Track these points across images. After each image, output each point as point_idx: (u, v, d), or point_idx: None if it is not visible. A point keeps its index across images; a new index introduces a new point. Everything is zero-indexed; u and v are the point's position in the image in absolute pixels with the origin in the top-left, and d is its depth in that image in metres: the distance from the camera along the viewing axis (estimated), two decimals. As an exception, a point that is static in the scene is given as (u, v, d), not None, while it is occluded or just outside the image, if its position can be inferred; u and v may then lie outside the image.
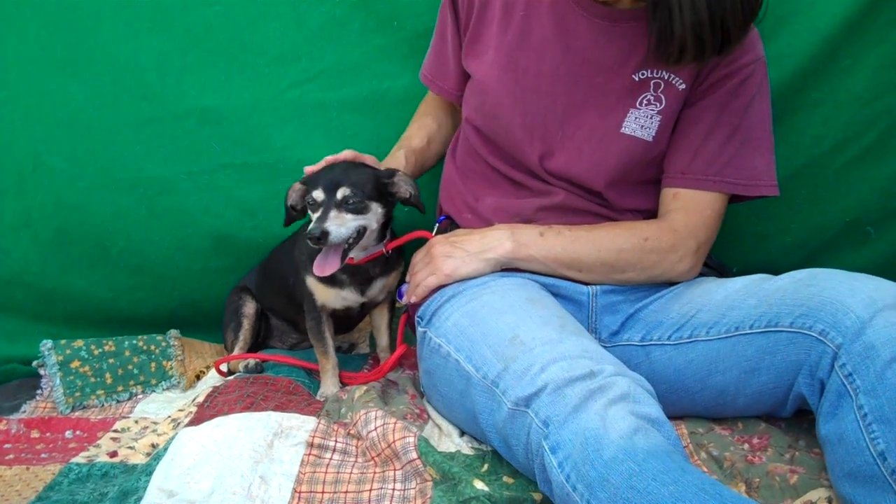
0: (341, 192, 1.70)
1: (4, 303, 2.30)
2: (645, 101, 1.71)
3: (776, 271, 1.66)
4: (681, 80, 1.70)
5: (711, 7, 1.45)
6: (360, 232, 1.75)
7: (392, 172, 1.80)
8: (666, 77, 1.70)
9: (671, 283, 1.81)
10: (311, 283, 1.91)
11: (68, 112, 2.17)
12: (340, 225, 1.69)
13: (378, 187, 1.77)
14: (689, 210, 1.74)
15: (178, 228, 2.25)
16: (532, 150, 1.77)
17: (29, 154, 2.19)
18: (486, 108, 1.80)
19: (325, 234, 1.65)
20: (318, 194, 1.71)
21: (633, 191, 1.79)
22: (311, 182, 1.75)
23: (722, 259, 1.99)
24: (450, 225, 1.93)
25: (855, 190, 2.15)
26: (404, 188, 1.80)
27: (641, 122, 1.71)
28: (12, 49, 2.15)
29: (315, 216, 1.70)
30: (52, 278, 2.28)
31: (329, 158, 1.81)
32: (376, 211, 1.77)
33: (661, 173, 1.78)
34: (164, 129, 2.18)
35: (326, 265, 1.73)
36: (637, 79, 1.70)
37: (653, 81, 1.70)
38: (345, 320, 2.09)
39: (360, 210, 1.73)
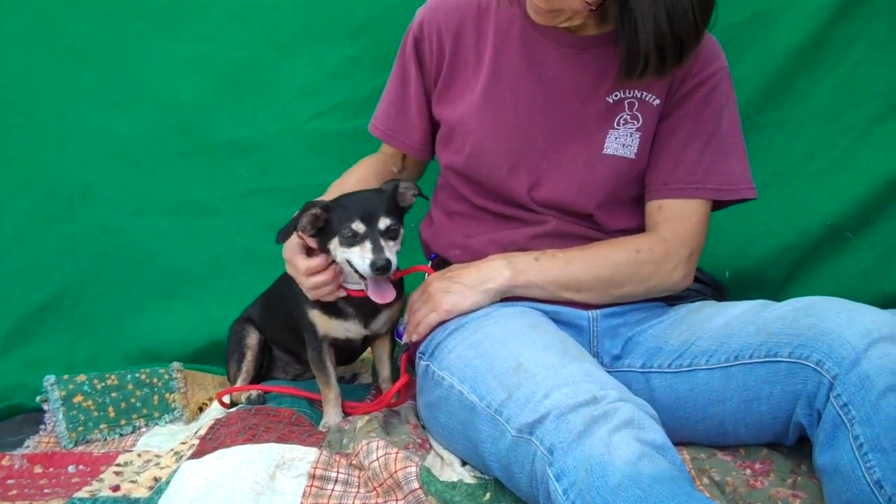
0: (383, 223, 1.72)
1: (35, 329, 2.45)
2: (622, 121, 1.75)
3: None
4: (654, 97, 1.74)
5: (670, 18, 1.50)
6: None
7: (396, 184, 1.82)
8: (639, 95, 1.74)
9: (669, 300, 1.84)
10: (313, 315, 1.91)
11: (117, 144, 2.46)
12: (390, 252, 1.71)
13: (396, 206, 1.79)
14: (676, 220, 1.77)
15: (212, 247, 2.52)
16: (519, 184, 1.80)
17: (80, 183, 2.46)
18: (467, 150, 1.82)
19: (389, 263, 1.68)
20: (359, 226, 1.71)
21: (622, 211, 1.82)
22: (342, 211, 1.74)
23: (712, 262, 2.03)
24: (441, 263, 1.94)
25: (833, 197, 2.34)
26: (409, 195, 1.83)
27: (622, 141, 1.75)
28: (67, 90, 2.43)
29: (361, 247, 1.71)
30: (88, 302, 2.49)
31: None
32: (401, 232, 1.79)
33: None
34: (201, 159, 2.49)
35: (385, 293, 1.75)
36: (611, 101, 1.75)
37: (626, 101, 1.75)
38: (347, 351, 2.09)
39: (396, 236, 1.76)
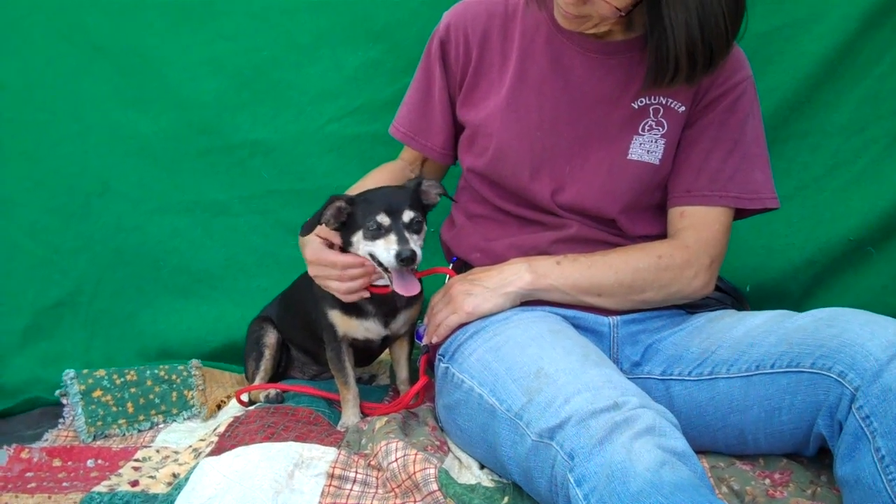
0: (407, 215, 1.73)
1: (51, 326, 2.46)
2: (647, 127, 1.75)
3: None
4: (679, 104, 1.74)
5: (702, 26, 1.50)
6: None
7: (419, 181, 1.82)
8: (664, 102, 1.74)
9: (689, 308, 1.84)
10: (333, 315, 1.91)
11: (136, 143, 2.49)
12: (415, 244, 1.71)
13: (419, 202, 1.80)
14: (698, 227, 1.77)
15: (229, 246, 2.55)
16: (542, 188, 1.80)
17: (98, 180, 2.49)
18: (490, 152, 1.82)
19: (414, 253, 1.68)
20: (383, 219, 1.72)
21: (644, 217, 1.83)
22: (366, 205, 1.74)
23: (734, 275, 2.03)
24: (462, 265, 1.94)
25: (855, 211, 2.33)
26: (433, 192, 1.84)
27: (647, 147, 1.75)
28: (87, 88, 2.45)
29: (386, 239, 1.71)
30: (104, 299, 2.51)
31: None
32: (424, 226, 1.79)
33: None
34: (220, 159, 2.51)
35: (410, 285, 1.74)
36: (636, 107, 1.75)
37: (652, 108, 1.75)
38: (365, 352, 2.09)
39: (419, 230, 1.76)
